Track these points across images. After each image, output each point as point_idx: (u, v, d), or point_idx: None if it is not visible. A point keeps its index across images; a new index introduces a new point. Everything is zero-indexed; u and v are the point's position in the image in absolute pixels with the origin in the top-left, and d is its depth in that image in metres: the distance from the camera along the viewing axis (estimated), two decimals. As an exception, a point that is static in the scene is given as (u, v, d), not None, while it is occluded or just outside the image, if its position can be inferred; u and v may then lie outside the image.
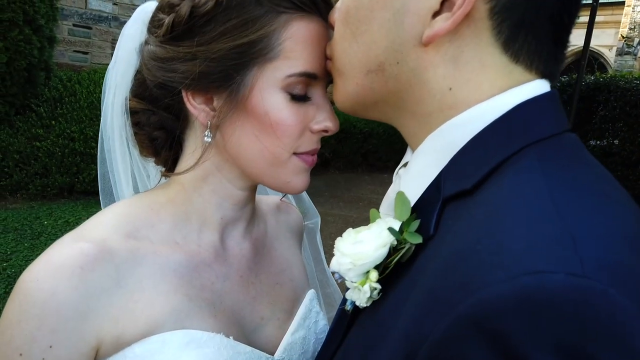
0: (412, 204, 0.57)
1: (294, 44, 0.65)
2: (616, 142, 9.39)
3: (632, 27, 16.24)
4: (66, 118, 5.64)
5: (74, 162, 5.54)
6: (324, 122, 0.70)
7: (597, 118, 9.67)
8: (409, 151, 0.65)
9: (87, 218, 0.71)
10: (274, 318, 0.79)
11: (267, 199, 0.93)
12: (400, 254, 0.53)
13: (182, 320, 0.66)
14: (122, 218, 0.69)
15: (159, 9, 0.70)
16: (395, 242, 0.54)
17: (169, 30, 0.66)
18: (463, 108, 0.55)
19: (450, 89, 0.55)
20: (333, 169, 9.36)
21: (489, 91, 0.54)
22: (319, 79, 0.68)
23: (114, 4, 7.51)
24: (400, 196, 0.57)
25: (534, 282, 0.35)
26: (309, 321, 0.80)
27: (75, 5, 6.98)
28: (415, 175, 0.59)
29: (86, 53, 7.20)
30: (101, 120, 0.79)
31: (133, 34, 0.73)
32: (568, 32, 0.56)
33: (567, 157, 0.49)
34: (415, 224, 0.53)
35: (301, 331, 0.79)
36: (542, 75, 0.56)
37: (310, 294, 0.85)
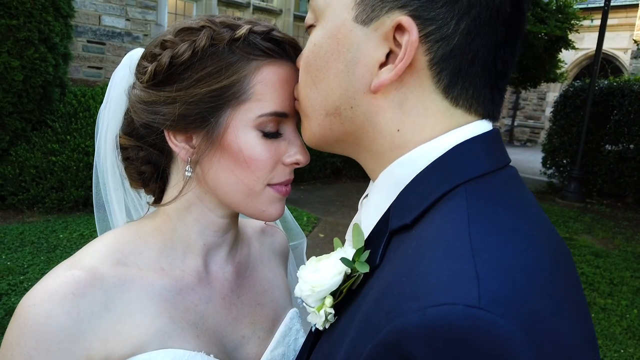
0: (367, 234, 0.63)
1: (264, 87, 0.72)
2: (631, 146, 9.31)
3: (646, 29, 16.06)
4: (81, 133, 5.79)
5: (89, 176, 5.67)
6: (295, 155, 0.76)
7: (611, 122, 9.60)
8: (370, 183, 0.71)
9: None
10: (255, 337, 0.85)
11: (253, 222, 0.99)
12: (351, 281, 0.59)
13: (165, 341, 0.73)
14: (112, 247, 0.76)
15: (143, 57, 0.78)
16: (350, 270, 0.60)
17: (151, 77, 0.74)
18: (410, 148, 0.60)
19: (398, 130, 0.61)
20: (345, 178, 9.42)
21: (432, 133, 0.60)
22: (289, 116, 0.75)
23: (127, 19, 7.70)
24: (356, 228, 0.63)
25: (437, 313, 0.41)
26: (289, 339, 0.86)
27: (89, 22, 7.17)
28: (371, 208, 0.64)
29: (100, 68, 7.38)
30: (95, 155, 0.86)
31: (122, 78, 0.81)
32: (504, 78, 0.62)
33: (493, 196, 0.54)
34: (365, 254, 0.59)
35: (280, 348, 0.85)
36: (482, 116, 0.61)
37: (291, 312, 0.91)
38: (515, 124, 22.54)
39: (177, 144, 0.75)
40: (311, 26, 0.66)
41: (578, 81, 10.74)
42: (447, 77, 0.58)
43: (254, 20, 0.75)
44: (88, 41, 7.22)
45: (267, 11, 9.97)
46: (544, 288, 0.44)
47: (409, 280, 0.46)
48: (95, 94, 6.24)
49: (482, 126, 0.60)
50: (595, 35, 9.47)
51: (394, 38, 0.57)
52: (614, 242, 6.98)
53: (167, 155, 0.80)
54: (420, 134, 0.60)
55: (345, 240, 0.70)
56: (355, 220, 0.71)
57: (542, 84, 12.38)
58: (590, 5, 15.65)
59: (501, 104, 0.63)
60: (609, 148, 9.76)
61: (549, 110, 11.71)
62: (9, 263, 4.28)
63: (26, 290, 3.84)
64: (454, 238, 0.48)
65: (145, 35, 8.10)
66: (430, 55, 0.57)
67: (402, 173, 0.60)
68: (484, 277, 0.42)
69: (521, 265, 0.45)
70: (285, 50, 0.74)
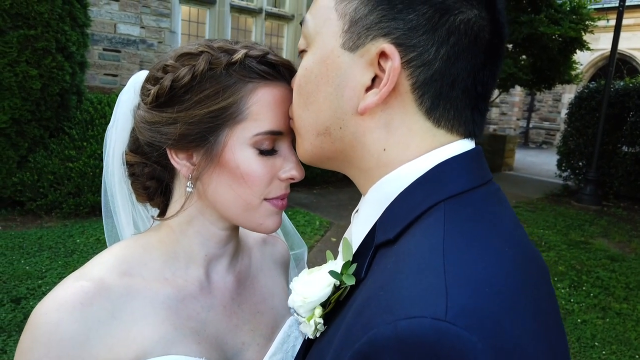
0: (356, 248, 0.66)
1: (259, 108, 0.76)
2: (648, 148, 9.20)
3: (664, 28, 15.82)
4: (97, 139, 5.91)
5: (105, 181, 5.79)
6: (290, 171, 0.80)
7: (627, 124, 9.48)
8: (362, 198, 0.74)
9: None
10: (254, 343, 0.89)
11: (254, 233, 1.03)
12: (339, 293, 0.62)
13: (168, 347, 0.77)
14: (118, 258, 0.80)
15: (147, 80, 0.83)
16: (338, 282, 0.64)
17: (154, 99, 0.78)
18: (395, 166, 0.64)
19: (384, 149, 0.64)
20: (357, 182, 9.43)
21: (416, 152, 0.63)
22: (284, 134, 0.79)
23: (142, 27, 7.84)
24: (345, 242, 0.67)
25: (407, 325, 0.44)
26: (287, 345, 0.90)
27: (105, 30, 7.32)
28: (361, 222, 0.68)
29: (115, 75, 7.52)
30: (103, 171, 0.91)
31: (127, 99, 0.86)
32: (484, 100, 0.65)
33: (469, 213, 0.57)
34: (352, 267, 0.63)
35: (279, 354, 0.89)
36: (464, 135, 0.64)
37: (290, 320, 0.95)
38: (531, 125, 22.33)
39: (178, 161, 0.80)
40: (303, 51, 0.70)
41: (593, 82, 10.64)
42: (429, 99, 0.62)
43: (250, 45, 0.80)
44: (104, 49, 7.37)
45: (279, 17, 10.05)
46: (510, 302, 0.48)
47: (385, 294, 0.50)
48: (111, 101, 6.36)
49: (464, 145, 0.64)
50: (611, 35, 9.37)
51: (379, 64, 0.61)
52: (630, 246, 6.90)
53: (170, 172, 0.84)
54: (405, 153, 0.63)
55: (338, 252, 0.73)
56: (347, 232, 0.75)
57: (557, 85, 12.25)
58: (605, 5, 15.46)
59: (482, 123, 0.66)
60: (626, 150, 9.65)
61: (564, 112, 11.59)
62: (27, 267, 4.39)
63: (44, 294, 3.93)
64: (429, 254, 0.51)
65: (160, 42, 8.23)
66: (413, 80, 0.61)
67: (388, 190, 0.64)
68: (452, 292, 0.46)
69: (489, 280, 0.48)
70: (280, 72, 0.79)
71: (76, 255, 4.76)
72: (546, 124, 21.90)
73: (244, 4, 9.52)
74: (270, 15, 9.93)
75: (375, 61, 0.61)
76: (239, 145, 0.76)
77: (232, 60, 0.76)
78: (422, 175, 0.62)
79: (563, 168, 10.64)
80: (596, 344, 4.11)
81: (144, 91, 0.82)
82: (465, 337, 0.43)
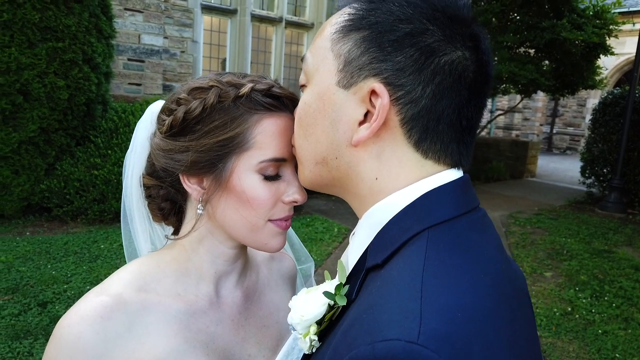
0: (349, 270, 0.71)
1: (264, 137, 0.82)
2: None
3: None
4: (121, 147, 6.07)
5: (128, 189, 5.95)
6: (293, 195, 0.86)
7: (653, 131, 9.32)
8: (358, 221, 0.80)
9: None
10: (260, 355, 0.95)
11: None
12: (332, 312, 0.68)
13: (179, 358, 0.83)
14: (135, 275, 0.87)
15: (162, 111, 0.90)
16: (332, 302, 0.69)
17: (168, 129, 0.85)
18: (386, 194, 0.69)
19: (376, 178, 0.70)
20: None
21: (406, 181, 0.68)
22: (287, 161, 0.85)
23: (165, 37, 8.04)
24: (340, 264, 0.72)
25: (384, 347, 0.49)
26: (291, 358, 0.95)
27: (129, 41, 7.52)
28: (355, 245, 0.73)
29: (139, 85, 7.72)
30: (122, 193, 0.99)
31: (145, 127, 0.94)
32: (470, 133, 0.70)
33: (451, 240, 0.62)
34: (345, 289, 0.68)
35: (283, 366, 0.94)
36: (451, 165, 0.69)
37: (295, 333, 1.00)
38: (554, 131, 22.00)
39: (190, 185, 0.86)
40: (303, 85, 0.76)
41: (617, 88, 10.46)
42: (417, 133, 0.67)
43: (257, 79, 0.86)
44: (128, 59, 7.58)
45: (299, 25, 10.17)
46: (480, 327, 0.52)
47: (368, 317, 0.55)
48: (135, 109, 6.54)
49: (451, 175, 0.68)
50: (637, 39, 9.21)
51: (370, 101, 0.67)
52: (655, 255, 6.76)
53: (183, 194, 0.91)
54: (396, 182, 0.69)
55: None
56: (345, 253, 0.80)
57: (581, 90, 12.06)
58: (631, 9, 15.21)
59: (469, 154, 0.71)
60: (652, 157, 9.47)
61: (588, 117, 11.40)
62: (53, 272, 4.54)
63: (69, 298, 4.07)
64: (409, 280, 0.56)
65: (182, 51, 8.42)
66: (401, 116, 0.66)
67: (379, 216, 0.69)
68: (426, 317, 0.50)
69: (462, 306, 0.53)
70: (284, 103, 0.85)
71: (100, 260, 4.90)
72: (570, 130, 21.55)
73: (264, 13, 9.67)
74: (290, 24, 10.05)
75: (367, 98, 0.67)
76: (245, 172, 0.83)
77: (240, 94, 0.82)
78: (410, 204, 0.66)
79: (587, 175, 10.48)
80: (617, 355, 4.06)
81: (159, 121, 0.90)
82: (434, 359, 0.47)
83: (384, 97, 0.65)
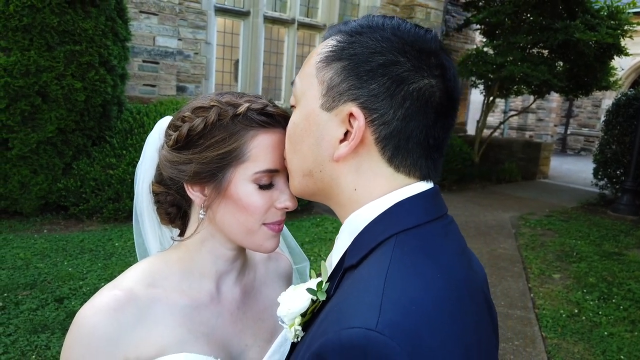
0: (331, 270, 0.81)
1: (259, 150, 0.92)
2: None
3: None
4: (135, 148, 6.22)
5: (142, 188, 6.10)
6: (285, 202, 0.95)
7: (668, 132, 9.25)
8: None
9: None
10: (256, 346, 1.05)
11: None
12: (314, 306, 0.77)
13: (183, 346, 0.93)
14: (145, 272, 0.97)
15: (169, 127, 1.00)
16: (315, 297, 0.79)
17: (174, 143, 0.96)
18: (363, 203, 0.78)
19: (355, 189, 0.79)
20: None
21: (380, 192, 0.77)
22: (280, 171, 0.94)
23: (179, 39, 8.19)
24: (323, 265, 0.82)
25: (347, 334, 0.59)
26: (284, 348, 1.05)
27: (144, 43, 7.69)
28: (338, 247, 0.83)
29: (154, 86, 7.89)
30: (134, 199, 1.10)
31: (154, 140, 1.04)
32: (437, 150, 0.79)
33: (415, 245, 0.71)
34: (325, 286, 0.78)
35: (276, 355, 1.04)
36: (420, 178, 0.78)
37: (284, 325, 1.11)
38: (569, 132, 21.82)
39: (193, 193, 0.97)
40: (293, 106, 0.86)
41: (631, 89, 10.39)
42: (390, 150, 0.76)
43: (253, 99, 0.96)
44: (143, 61, 7.75)
45: (311, 26, 10.27)
46: (430, 318, 0.61)
47: (338, 309, 0.65)
48: (149, 110, 6.69)
49: (420, 187, 0.78)
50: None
51: (349, 122, 0.76)
52: (666, 258, 6.74)
53: (187, 201, 1.01)
54: (371, 193, 0.78)
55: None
56: (330, 255, 0.90)
57: (595, 91, 11.99)
58: (647, 9, 15.01)
59: (437, 168, 0.80)
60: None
61: (604, 118, 11.35)
62: (70, 269, 4.70)
63: (85, 294, 4.21)
64: (374, 278, 0.66)
65: (196, 53, 8.58)
66: (376, 135, 0.75)
67: (357, 223, 0.78)
68: (384, 309, 0.60)
69: (416, 301, 0.62)
70: (277, 120, 0.94)
71: (115, 258, 5.05)
72: (585, 130, 21.37)
73: (277, 14, 9.78)
74: (302, 25, 10.16)
75: (346, 120, 0.76)
76: (242, 181, 0.92)
77: (237, 112, 0.92)
78: (383, 212, 0.76)
79: (599, 177, 10.43)
80: (622, 357, 4.09)
81: (166, 135, 1.00)
82: (388, 343, 0.57)
83: (360, 119, 0.74)
